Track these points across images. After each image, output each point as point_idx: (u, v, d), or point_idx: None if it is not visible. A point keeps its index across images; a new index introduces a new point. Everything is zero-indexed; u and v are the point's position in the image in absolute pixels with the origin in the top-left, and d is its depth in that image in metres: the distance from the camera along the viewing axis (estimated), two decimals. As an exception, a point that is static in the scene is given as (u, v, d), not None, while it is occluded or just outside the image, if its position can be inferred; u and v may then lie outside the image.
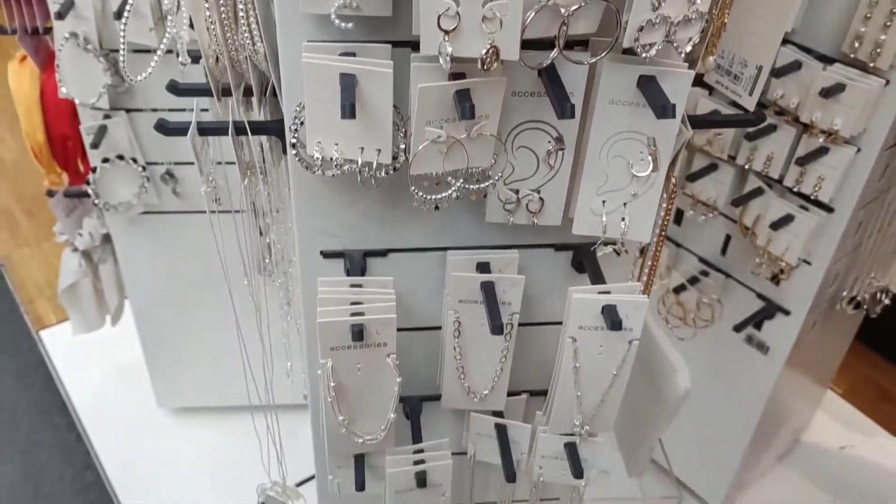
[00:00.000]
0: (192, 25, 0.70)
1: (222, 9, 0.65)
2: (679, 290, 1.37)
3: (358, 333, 0.69)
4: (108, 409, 1.76)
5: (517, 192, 0.70)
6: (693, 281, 1.35)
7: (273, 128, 0.72)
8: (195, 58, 0.76)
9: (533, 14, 0.55)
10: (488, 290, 0.73)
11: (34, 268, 2.15)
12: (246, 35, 0.65)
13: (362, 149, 0.63)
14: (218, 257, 1.48)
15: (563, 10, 0.56)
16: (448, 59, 0.55)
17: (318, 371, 0.74)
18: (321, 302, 0.71)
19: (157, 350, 1.61)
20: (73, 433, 1.75)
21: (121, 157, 1.29)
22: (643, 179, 0.67)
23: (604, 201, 0.69)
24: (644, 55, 0.58)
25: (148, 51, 1.20)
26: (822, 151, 1.06)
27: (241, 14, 0.64)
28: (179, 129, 0.72)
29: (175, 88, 0.76)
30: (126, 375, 1.80)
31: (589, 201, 0.69)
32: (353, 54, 0.62)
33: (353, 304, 0.71)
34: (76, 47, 1.17)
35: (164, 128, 0.72)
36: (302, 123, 0.65)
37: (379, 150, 0.63)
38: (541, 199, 0.70)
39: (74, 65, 1.18)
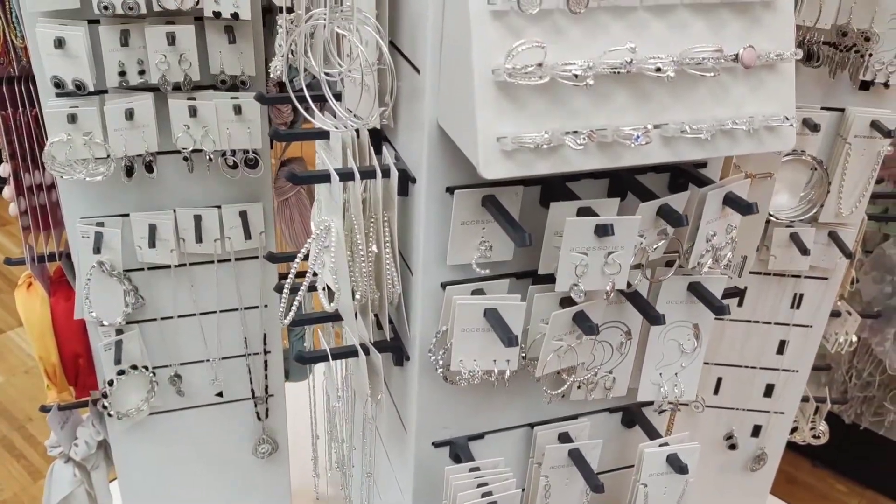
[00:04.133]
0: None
1: (370, 264, 0.81)
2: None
3: (495, 510, 0.84)
4: None
5: (595, 373, 0.89)
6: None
7: (394, 346, 0.88)
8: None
9: (633, 258, 0.76)
10: (577, 457, 0.91)
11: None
12: (389, 284, 0.82)
13: (495, 360, 0.81)
14: (213, 445, 1.55)
15: (647, 249, 0.78)
16: (582, 294, 0.75)
17: (447, 545, 0.88)
18: (455, 488, 0.85)
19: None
20: None
21: (134, 367, 1.36)
22: (690, 354, 0.89)
23: (660, 373, 0.90)
24: (700, 272, 0.81)
25: (168, 266, 1.31)
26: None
27: (387, 266, 0.81)
28: (317, 358, 0.86)
29: (297, 321, 0.89)
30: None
31: (650, 375, 0.90)
32: (482, 290, 0.81)
33: (479, 486, 0.86)
34: (101, 273, 1.25)
35: (303, 357, 0.86)
36: (445, 350, 0.81)
37: (508, 360, 0.81)
38: (613, 378, 0.90)
39: (100, 289, 1.26)
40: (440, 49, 0.69)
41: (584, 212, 0.74)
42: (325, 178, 0.77)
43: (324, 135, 0.83)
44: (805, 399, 1.63)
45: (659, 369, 0.90)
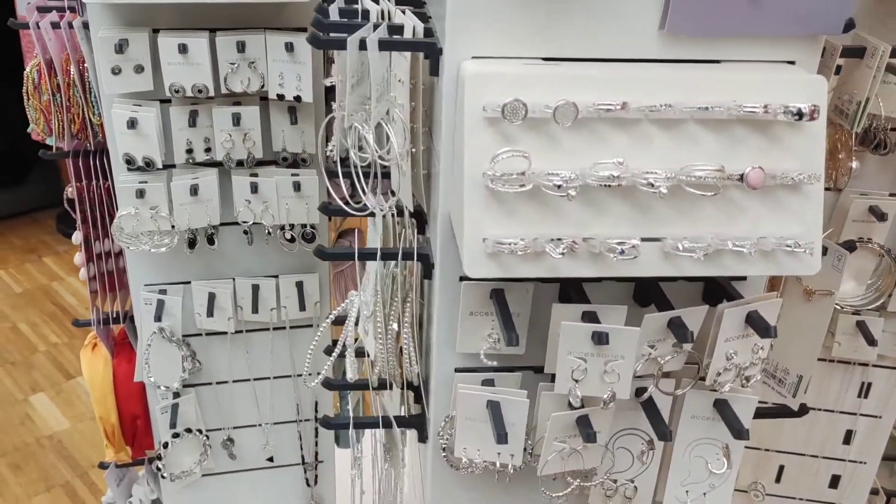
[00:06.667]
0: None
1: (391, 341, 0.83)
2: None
3: None
4: None
5: (615, 481, 0.86)
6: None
7: (416, 422, 0.88)
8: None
9: (640, 365, 0.74)
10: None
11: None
12: (407, 363, 0.82)
13: (499, 453, 0.79)
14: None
15: (659, 360, 0.75)
16: (578, 399, 0.72)
17: None
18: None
19: None
20: None
21: (188, 430, 1.40)
22: (719, 475, 0.84)
23: (687, 491, 0.85)
24: (720, 391, 0.77)
25: (224, 333, 1.36)
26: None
27: (405, 345, 0.82)
28: (339, 424, 0.87)
29: (329, 384, 0.90)
30: None
31: (675, 491, 0.85)
32: (492, 381, 0.80)
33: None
34: (162, 339, 1.31)
35: (329, 423, 0.87)
36: (450, 435, 0.80)
37: (512, 455, 0.79)
38: (635, 487, 0.86)
39: (160, 354, 1.32)
40: (452, 146, 0.71)
41: (589, 316, 0.73)
42: (349, 256, 0.80)
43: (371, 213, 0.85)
44: (874, 492, 1.50)
45: (685, 486, 0.85)
